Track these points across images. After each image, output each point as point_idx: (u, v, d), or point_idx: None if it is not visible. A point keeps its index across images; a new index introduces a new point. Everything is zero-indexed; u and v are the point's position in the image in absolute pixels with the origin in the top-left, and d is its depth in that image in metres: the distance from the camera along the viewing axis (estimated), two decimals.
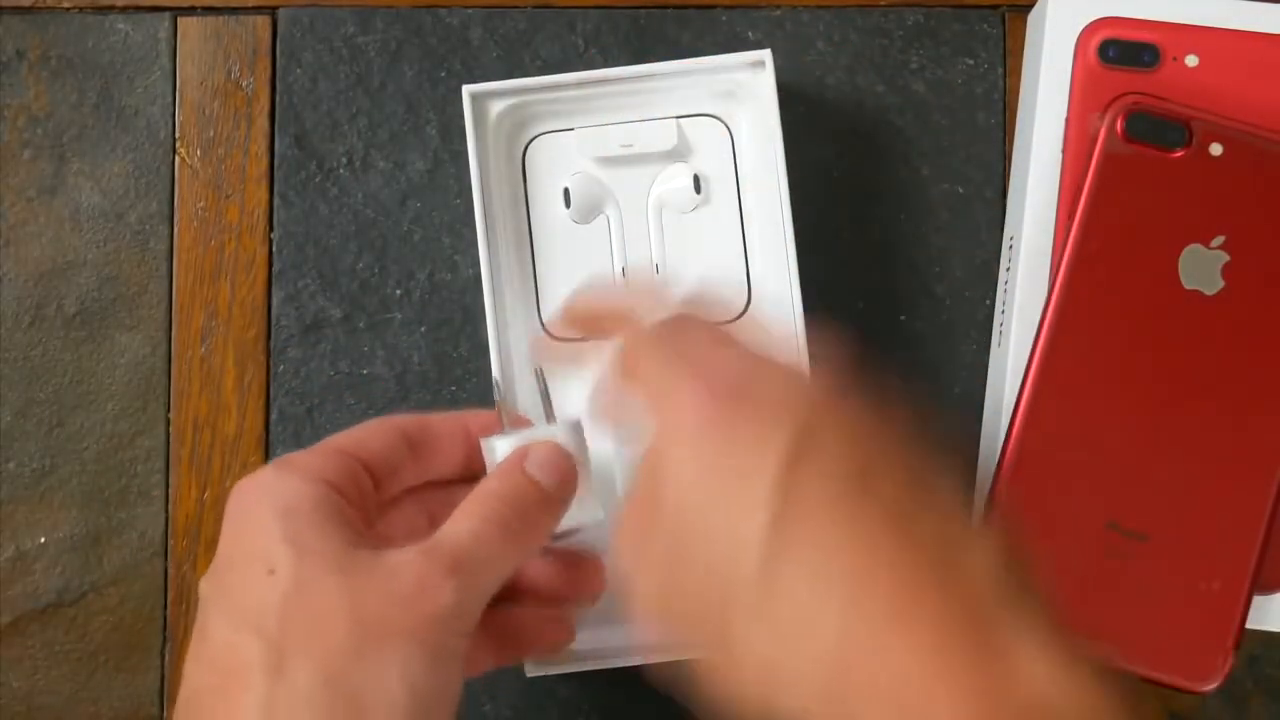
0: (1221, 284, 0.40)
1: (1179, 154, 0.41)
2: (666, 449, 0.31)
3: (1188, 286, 0.40)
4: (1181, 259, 0.40)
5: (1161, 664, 0.40)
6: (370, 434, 0.37)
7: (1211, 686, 0.40)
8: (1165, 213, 0.41)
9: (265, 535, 0.33)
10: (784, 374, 0.32)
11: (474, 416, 0.39)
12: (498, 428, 0.38)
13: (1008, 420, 0.41)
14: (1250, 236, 0.40)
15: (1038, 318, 0.42)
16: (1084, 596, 0.40)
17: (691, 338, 0.33)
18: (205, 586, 0.33)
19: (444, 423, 0.38)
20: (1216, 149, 0.40)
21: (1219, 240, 0.40)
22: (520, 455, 0.36)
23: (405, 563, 0.32)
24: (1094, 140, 0.41)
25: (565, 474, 0.36)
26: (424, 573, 0.32)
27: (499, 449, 0.38)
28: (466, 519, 0.34)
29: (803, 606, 0.27)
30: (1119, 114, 0.41)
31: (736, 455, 0.29)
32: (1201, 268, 0.40)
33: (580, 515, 0.39)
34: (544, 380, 0.40)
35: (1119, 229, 0.41)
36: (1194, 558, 0.40)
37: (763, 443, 0.29)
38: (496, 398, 0.41)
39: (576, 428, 0.39)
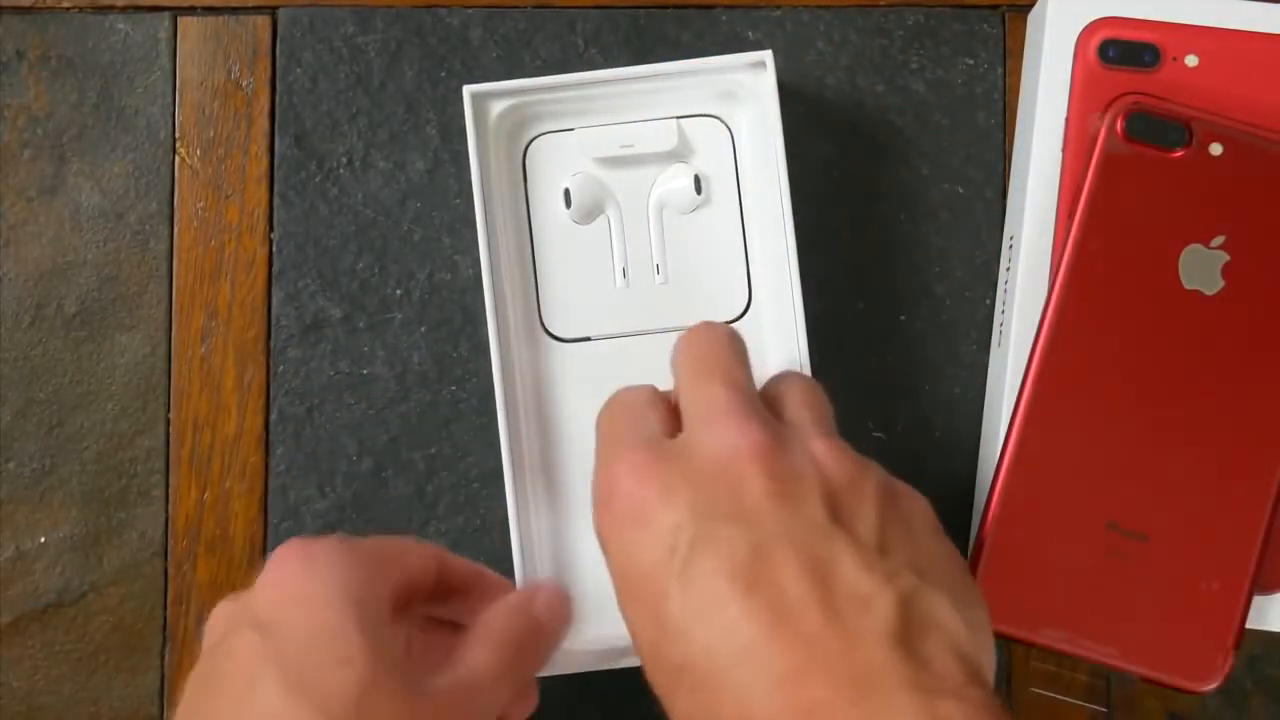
0: (1222, 284, 0.40)
1: (1179, 154, 0.41)
2: (595, 508, 0.34)
3: (1188, 286, 0.40)
4: (1181, 259, 0.40)
5: (1161, 664, 0.40)
6: (414, 553, 0.38)
7: (1211, 686, 0.40)
8: (1165, 212, 0.41)
9: (339, 618, 0.33)
10: (691, 452, 0.33)
11: (493, 583, 0.40)
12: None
13: (1008, 420, 0.41)
14: (1250, 236, 0.40)
15: (1038, 317, 0.42)
16: (1084, 596, 0.40)
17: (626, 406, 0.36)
18: (260, 643, 0.32)
19: (467, 573, 0.40)
20: (1216, 149, 0.40)
21: (1219, 240, 0.40)
22: (530, 596, 0.39)
23: (448, 693, 0.34)
24: (1094, 140, 0.41)
25: (566, 616, 0.40)
26: (461, 708, 0.35)
27: None
28: (484, 652, 0.36)
29: (707, 686, 0.30)
30: (1119, 114, 0.41)
31: (645, 543, 0.32)
32: (1202, 268, 0.40)
33: None
34: None
35: (1119, 229, 0.41)
36: (1194, 558, 0.40)
37: (670, 534, 0.32)
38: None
39: None
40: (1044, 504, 0.40)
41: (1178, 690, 0.40)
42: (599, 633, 0.43)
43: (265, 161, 0.47)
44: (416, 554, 0.38)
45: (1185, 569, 0.40)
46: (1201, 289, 0.40)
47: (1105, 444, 0.40)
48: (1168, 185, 0.41)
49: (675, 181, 0.44)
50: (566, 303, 0.44)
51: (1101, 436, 0.40)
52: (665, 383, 0.44)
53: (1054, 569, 0.40)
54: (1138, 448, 0.40)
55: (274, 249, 0.47)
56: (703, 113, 0.45)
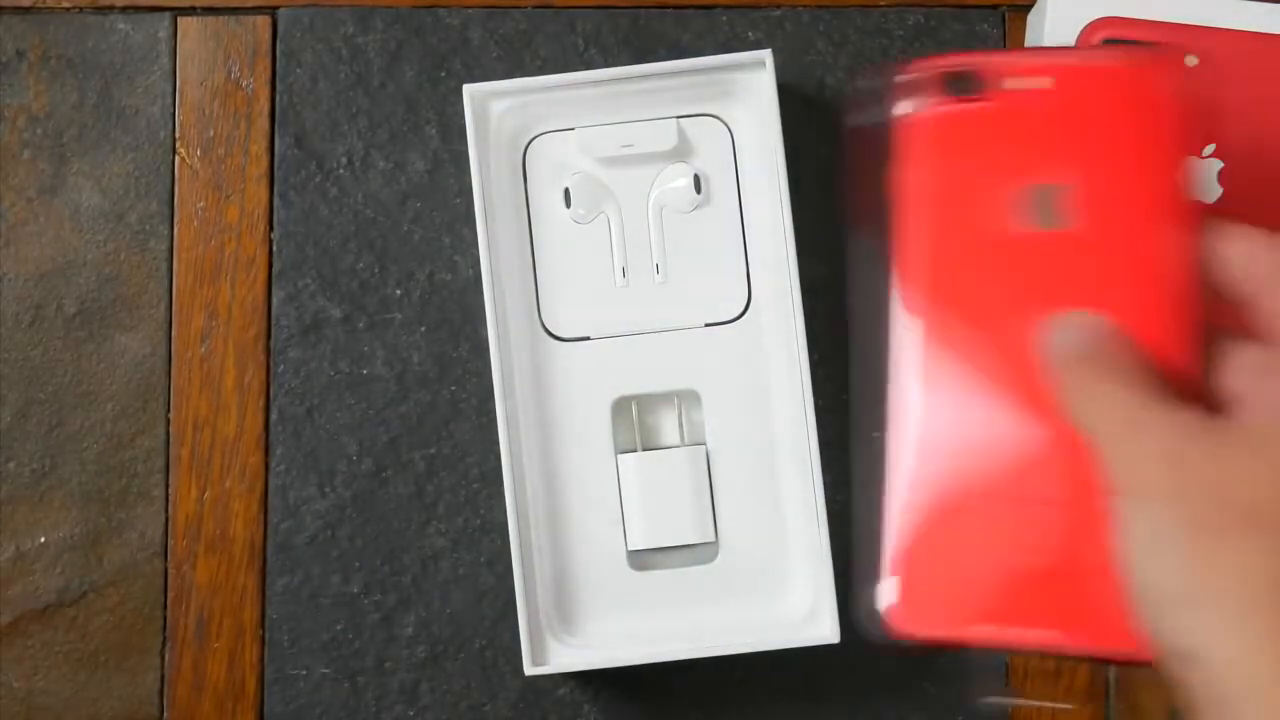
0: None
1: (978, 101, 0.38)
2: None
3: (1029, 229, 0.36)
4: (1016, 202, 0.37)
5: (1108, 639, 0.38)
6: None
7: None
8: (986, 161, 0.37)
9: None
10: None
11: None
12: None
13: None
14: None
15: None
16: (1009, 581, 0.36)
17: None
18: None
19: None
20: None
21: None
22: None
23: None
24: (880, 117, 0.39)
25: None
26: None
27: (626, 465, 0.44)
28: None
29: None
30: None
31: None
32: (1038, 207, 0.37)
33: (696, 533, 0.43)
34: (680, 406, 0.44)
35: (943, 191, 0.37)
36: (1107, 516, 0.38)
37: None
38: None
39: (699, 453, 0.43)
40: (949, 491, 0.36)
41: (1130, 665, 0.36)
42: (598, 632, 0.43)
43: (265, 161, 0.47)
44: None
45: (1104, 531, 0.37)
46: (1044, 227, 0.36)
47: (993, 412, 0.38)
48: (980, 135, 0.37)
49: (675, 181, 0.44)
50: (566, 302, 0.44)
51: (988, 405, 0.38)
52: (664, 381, 0.44)
53: (972, 557, 0.36)
54: (1024, 410, 0.37)
55: (274, 249, 0.47)
56: (702, 112, 0.45)
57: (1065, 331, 0.32)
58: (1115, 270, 0.34)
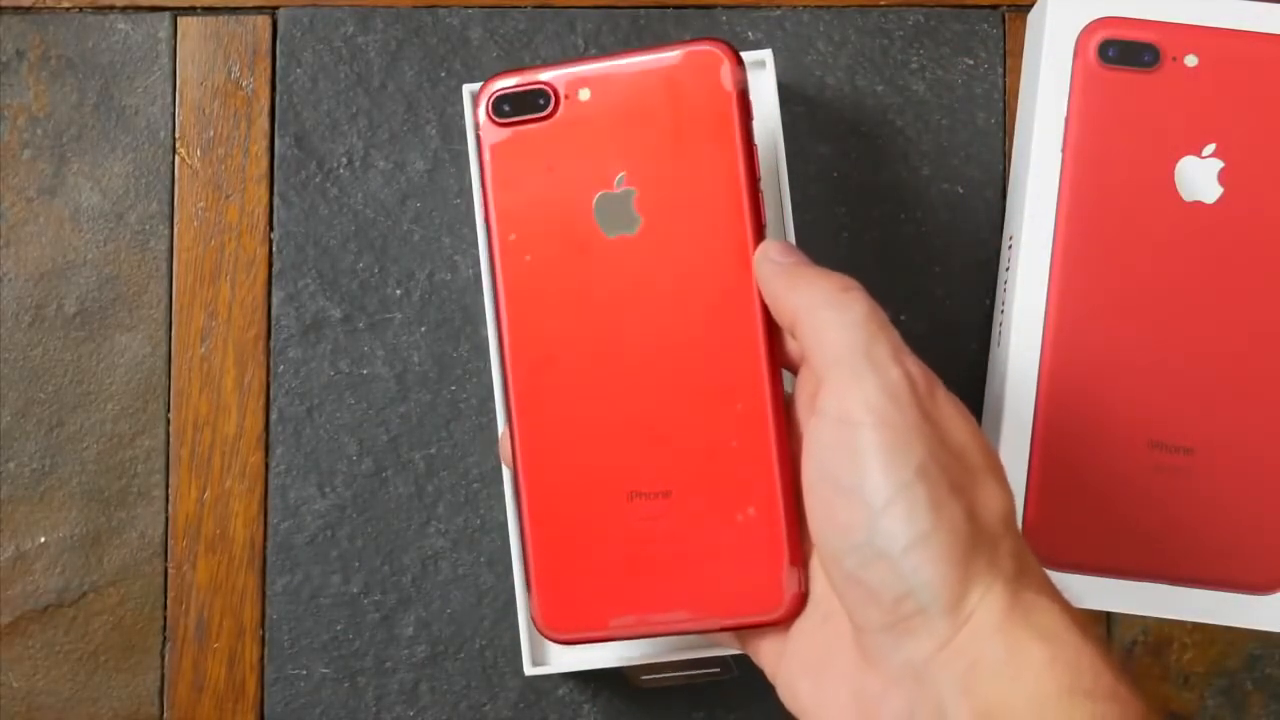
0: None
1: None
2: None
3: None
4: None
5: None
6: None
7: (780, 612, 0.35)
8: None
9: None
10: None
11: None
12: None
13: (1009, 411, 0.41)
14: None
15: (1040, 317, 0.42)
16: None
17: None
18: None
19: None
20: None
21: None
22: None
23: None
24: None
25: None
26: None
27: None
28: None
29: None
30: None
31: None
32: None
33: None
34: None
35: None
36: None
37: None
38: None
39: None
40: (564, 499, 0.37)
41: (758, 627, 0.35)
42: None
43: (265, 161, 0.47)
44: None
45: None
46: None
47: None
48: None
49: None
50: None
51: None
52: None
53: (597, 556, 0.36)
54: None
55: (274, 249, 0.47)
56: None
57: (766, 248, 0.35)
58: (683, 272, 0.36)
